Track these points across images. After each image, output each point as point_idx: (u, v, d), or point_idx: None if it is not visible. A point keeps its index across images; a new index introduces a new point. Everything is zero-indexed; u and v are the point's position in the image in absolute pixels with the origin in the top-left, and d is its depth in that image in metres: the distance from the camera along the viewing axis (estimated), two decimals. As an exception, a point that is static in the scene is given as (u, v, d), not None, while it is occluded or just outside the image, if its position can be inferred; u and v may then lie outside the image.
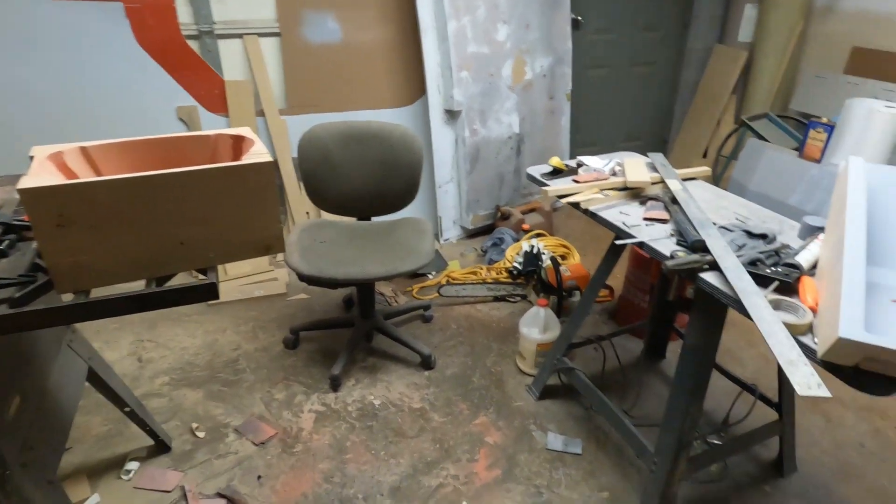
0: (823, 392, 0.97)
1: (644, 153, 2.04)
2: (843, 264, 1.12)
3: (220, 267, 2.72)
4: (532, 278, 2.72)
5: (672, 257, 1.40)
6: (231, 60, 2.75)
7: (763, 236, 1.47)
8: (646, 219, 1.62)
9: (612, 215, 1.66)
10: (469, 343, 2.44)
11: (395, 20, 2.92)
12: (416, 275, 2.86)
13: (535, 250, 2.71)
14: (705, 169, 1.96)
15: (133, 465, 1.79)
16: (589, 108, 3.94)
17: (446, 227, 3.23)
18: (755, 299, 1.19)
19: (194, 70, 2.66)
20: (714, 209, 1.70)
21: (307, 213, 2.95)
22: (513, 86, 3.03)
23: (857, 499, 1.78)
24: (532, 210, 3.29)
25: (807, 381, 0.99)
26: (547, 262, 2.60)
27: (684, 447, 1.55)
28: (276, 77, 2.85)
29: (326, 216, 2.77)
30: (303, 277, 1.90)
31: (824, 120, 2.77)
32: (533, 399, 2.13)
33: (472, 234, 3.34)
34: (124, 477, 1.76)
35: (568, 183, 1.83)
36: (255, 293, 2.70)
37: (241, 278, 2.74)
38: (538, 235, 3.05)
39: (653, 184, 1.82)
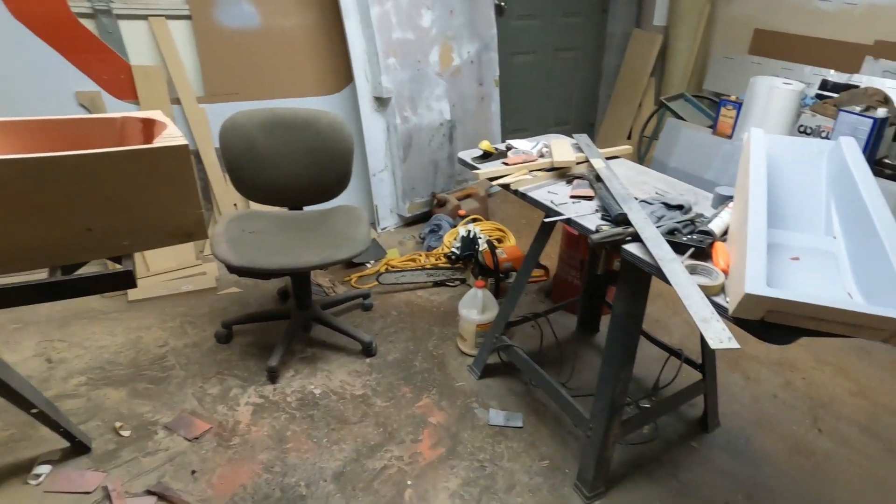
0: (734, 344, 1.06)
1: (571, 136, 2.11)
2: (748, 228, 1.21)
3: (142, 262, 2.61)
4: (470, 262, 2.76)
5: (597, 231, 1.47)
6: (137, 44, 2.59)
7: (680, 207, 1.56)
8: (572, 196, 1.69)
9: (540, 195, 1.71)
10: (410, 328, 2.46)
11: (316, 5, 2.86)
12: (353, 264, 2.85)
13: (471, 235, 2.76)
14: (627, 147, 2.05)
15: (44, 469, 1.70)
16: (518, 93, 4.02)
17: (383, 215, 3.22)
18: (673, 265, 1.27)
19: (93, 52, 2.48)
20: (636, 184, 1.79)
21: (234, 204, 2.87)
22: (441, 72, 3.05)
23: (772, 444, 1.94)
24: (467, 196, 3.34)
25: (719, 335, 1.07)
26: (483, 246, 2.65)
27: (617, 411, 1.63)
28: (192, 63, 2.72)
29: (256, 207, 2.70)
30: (233, 269, 1.85)
31: (733, 98, 2.96)
32: (474, 378, 2.18)
33: (409, 222, 3.35)
34: (32, 482, 1.66)
35: (498, 166, 1.88)
36: (182, 288, 2.60)
37: (165, 273, 2.63)
38: (474, 220, 3.10)
39: (578, 163, 1.89)
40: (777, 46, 3.67)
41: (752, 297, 1.05)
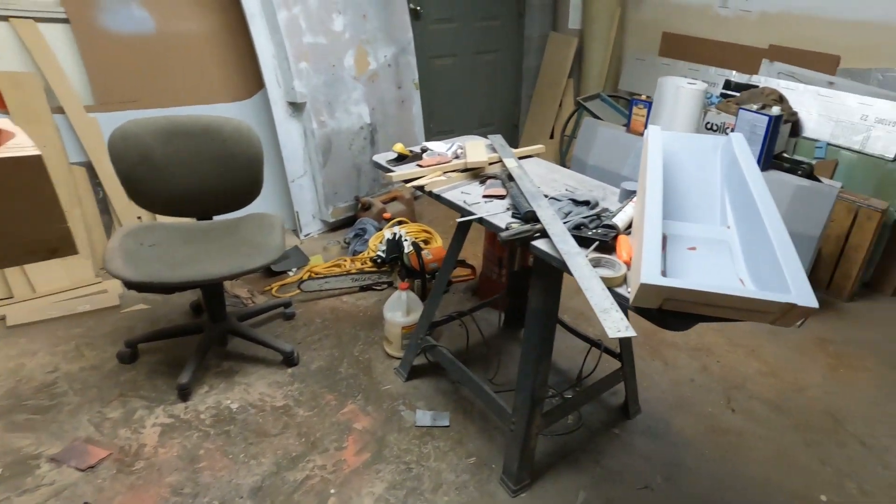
0: (631, 332, 1.09)
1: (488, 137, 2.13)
2: (644, 221, 1.26)
3: (25, 283, 2.42)
4: (396, 265, 2.74)
5: (507, 229, 1.48)
6: (-1, 47, 2.38)
7: (586, 203, 1.60)
8: (485, 196, 1.70)
9: (454, 195, 1.72)
10: (336, 335, 2.41)
11: (218, 9, 2.74)
12: (274, 273, 2.77)
13: (397, 237, 2.73)
14: (539, 147, 2.09)
15: None
16: (441, 96, 4.04)
17: (305, 222, 3.14)
18: (577, 259, 1.30)
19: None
20: (547, 182, 1.82)
21: (139, 217, 2.71)
22: (358, 76, 3.01)
23: (689, 426, 2.02)
24: (393, 199, 3.31)
25: (616, 325, 1.10)
26: (409, 248, 2.64)
27: (537, 404, 1.65)
28: (76, 70, 2.54)
29: (163, 219, 2.57)
30: (131, 285, 1.74)
31: (644, 97, 3.08)
32: (401, 381, 2.16)
33: (334, 228, 3.28)
34: None
35: (412, 168, 1.87)
36: (78, 309, 2.43)
37: (57, 294, 2.45)
38: (400, 223, 3.08)
39: (491, 163, 1.91)
40: (684, 49, 3.86)
41: (647, 286, 1.08)
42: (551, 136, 4.27)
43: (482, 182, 1.81)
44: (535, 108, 4.41)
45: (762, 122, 2.67)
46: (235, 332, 2.20)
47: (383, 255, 2.71)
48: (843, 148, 3.02)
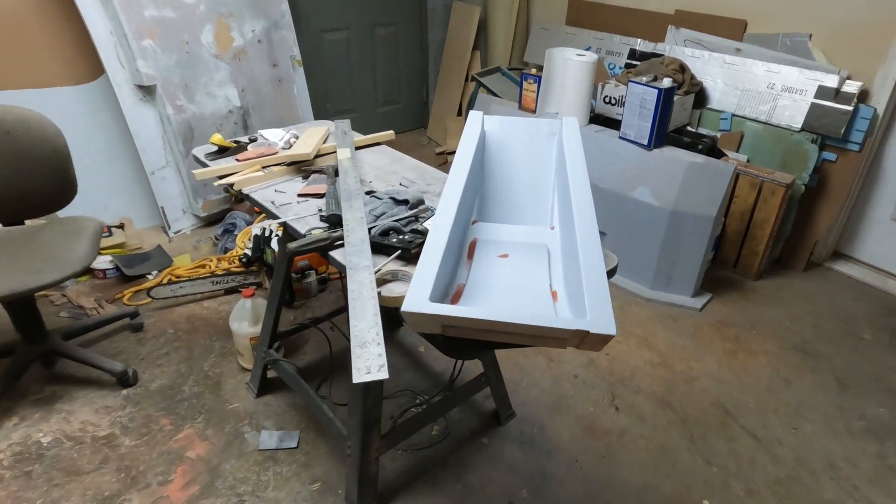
0: (382, 375, 0.91)
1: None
2: (429, 232, 1.07)
3: None
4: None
5: (306, 235, 1.29)
6: None
7: (406, 202, 1.41)
8: (300, 195, 1.49)
9: (265, 195, 1.50)
10: (187, 347, 2.18)
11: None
12: (130, 278, 2.50)
13: (266, 233, 2.50)
14: (388, 134, 1.89)
15: None
16: (336, 73, 3.76)
17: (174, 217, 2.86)
18: (360, 275, 1.11)
19: None
20: (383, 175, 1.63)
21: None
22: (220, 54, 2.71)
23: (566, 429, 1.90)
24: (275, 187, 3.05)
25: (368, 364, 0.92)
26: (274, 246, 2.41)
27: (372, 425, 1.49)
28: None
29: None
30: None
31: (533, 71, 2.89)
32: (252, 397, 1.96)
33: (209, 223, 3.01)
34: None
35: (229, 162, 1.64)
36: None
37: None
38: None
39: (324, 154, 1.70)
40: (591, 16, 3.68)
41: (409, 314, 0.90)
42: (459, 113, 4.05)
43: (306, 177, 1.59)
44: (443, 83, 4.17)
45: (652, 95, 2.53)
46: (57, 352, 1.94)
47: (250, 254, 2.47)
48: (750, 119, 2.91)
